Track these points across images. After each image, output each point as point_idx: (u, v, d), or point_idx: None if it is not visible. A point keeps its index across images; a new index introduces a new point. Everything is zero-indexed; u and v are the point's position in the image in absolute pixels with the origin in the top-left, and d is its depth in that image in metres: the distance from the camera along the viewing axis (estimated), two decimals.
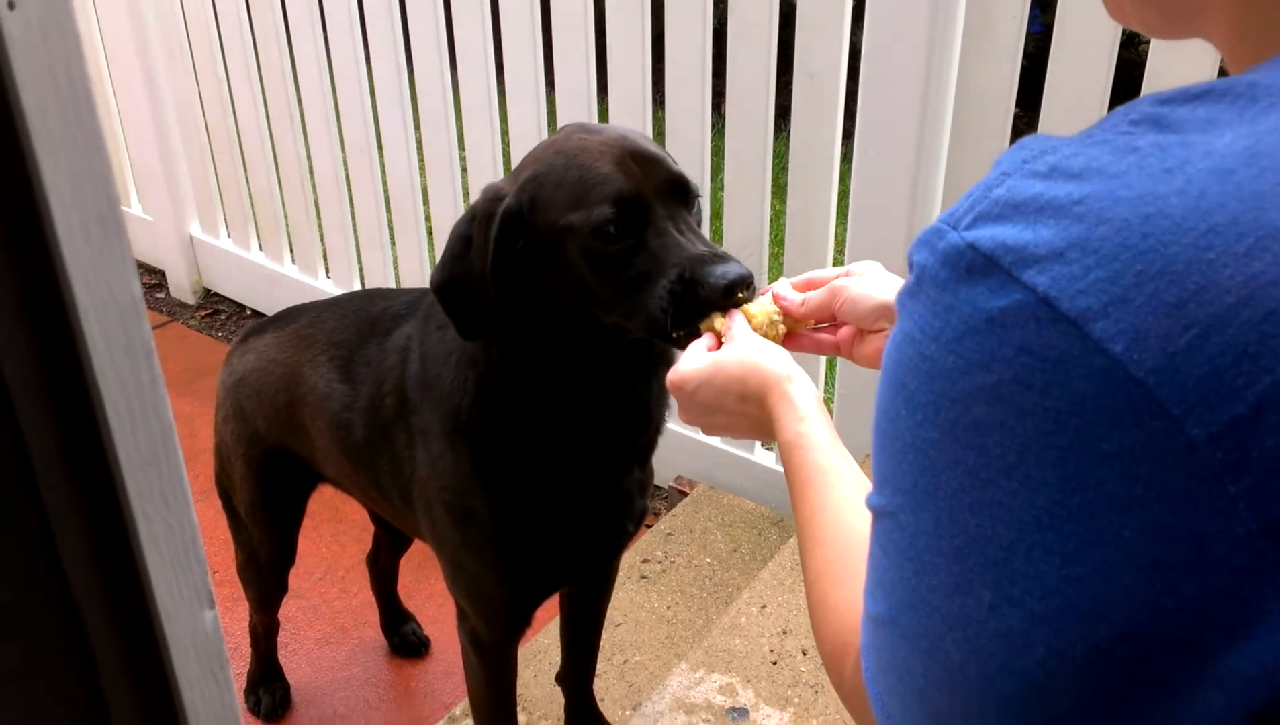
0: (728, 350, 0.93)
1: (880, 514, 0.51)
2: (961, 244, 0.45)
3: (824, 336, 1.01)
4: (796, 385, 0.86)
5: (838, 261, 2.14)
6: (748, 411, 0.89)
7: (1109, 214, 0.42)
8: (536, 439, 1.24)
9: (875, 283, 0.95)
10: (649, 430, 1.30)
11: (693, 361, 0.93)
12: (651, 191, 1.08)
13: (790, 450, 0.82)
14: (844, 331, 0.99)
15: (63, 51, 0.32)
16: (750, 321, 0.98)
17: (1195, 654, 0.42)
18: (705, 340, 0.98)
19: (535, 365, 1.19)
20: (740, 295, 1.00)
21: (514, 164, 2.38)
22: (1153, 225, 0.41)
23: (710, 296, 1.00)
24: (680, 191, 1.10)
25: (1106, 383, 0.41)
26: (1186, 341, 0.40)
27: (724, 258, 1.03)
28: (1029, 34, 1.75)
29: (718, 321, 1.00)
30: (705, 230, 2.17)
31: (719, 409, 0.91)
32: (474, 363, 1.24)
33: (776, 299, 0.99)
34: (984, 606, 0.45)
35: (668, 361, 1.29)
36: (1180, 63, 1.57)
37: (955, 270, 0.45)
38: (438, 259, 1.19)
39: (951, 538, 0.46)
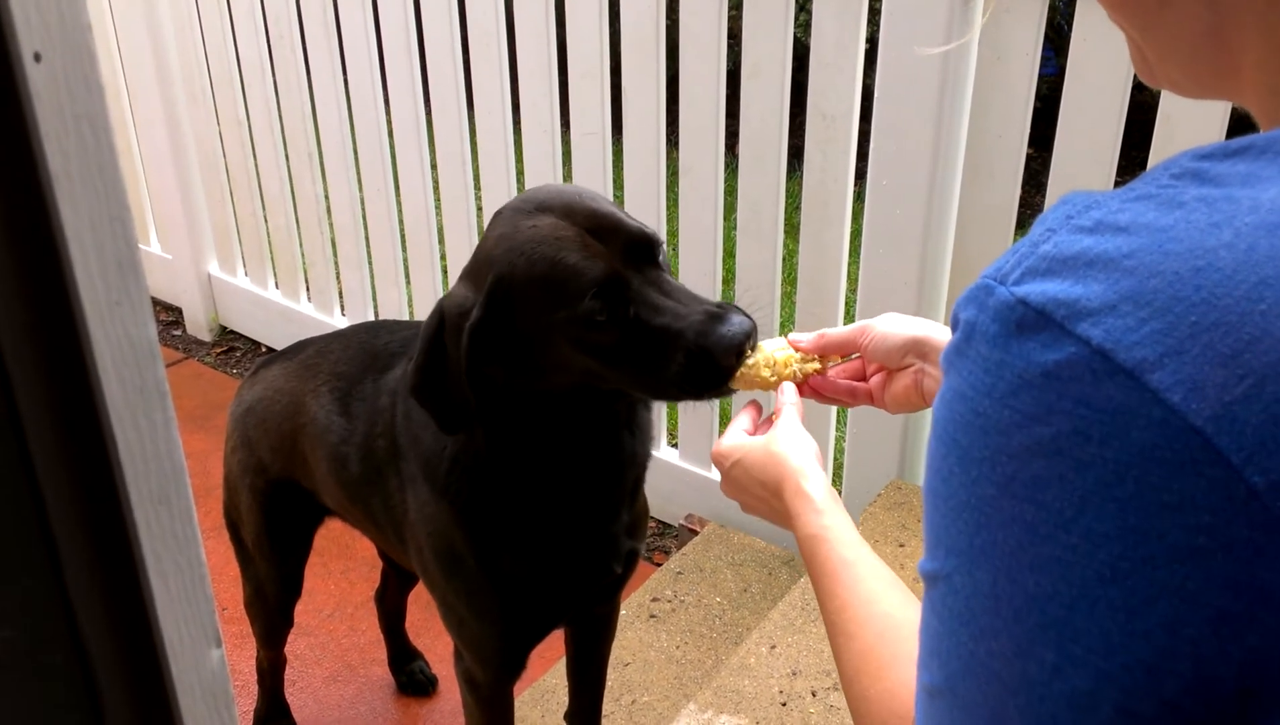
0: (761, 435, 0.95)
1: (933, 579, 0.51)
2: (1011, 299, 0.45)
3: (856, 384, 1.02)
4: (811, 480, 0.87)
5: (849, 301, 2.15)
6: (768, 499, 0.91)
7: (1160, 267, 0.42)
8: (520, 499, 1.24)
9: (900, 321, 0.97)
10: (634, 470, 1.29)
11: (732, 438, 0.96)
12: (622, 263, 1.06)
13: (814, 544, 0.83)
14: (874, 379, 1.00)
15: (87, 103, 0.33)
16: (775, 364, 1.00)
17: (1262, 703, 0.41)
18: (745, 417, 1.00)
19: (518, 436, 1.20)
20: (749, 351, 1.01)
21: None
22: (1204, 278, 0.41)
23: (724, 363, 1.01)
24: (645, 250, 1.08)
25: (1166, 432, 0.41)
26: (1243, 391, 0.40)
27: (721, 316, 1.03)
28: (1042, 76, 1.77)
29: (761, 366, 1.00)
30: (716, 275, 2.18)
31: (746, 490, 0.94)
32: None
33: (792, 344, 1.01)
34: (1046, 668, 0.44)
35: (648, 403, 1.29)
36: (1191, 107, 1.58)
37: (1006, 325, 0.45)
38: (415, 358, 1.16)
39: (1010, 598, 0.45)
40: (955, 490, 0.48)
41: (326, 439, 1.46)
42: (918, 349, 0.94)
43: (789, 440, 0.92)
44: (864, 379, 1.02)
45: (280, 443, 1.57)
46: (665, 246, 1.13)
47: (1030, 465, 0.44)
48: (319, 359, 1.54)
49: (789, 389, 0.99)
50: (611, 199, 2.30)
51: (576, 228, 1.07)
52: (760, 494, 0.92)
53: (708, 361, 1.01)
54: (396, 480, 1.35)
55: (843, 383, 1.02)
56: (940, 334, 0.94)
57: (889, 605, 0.74)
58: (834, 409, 2.17)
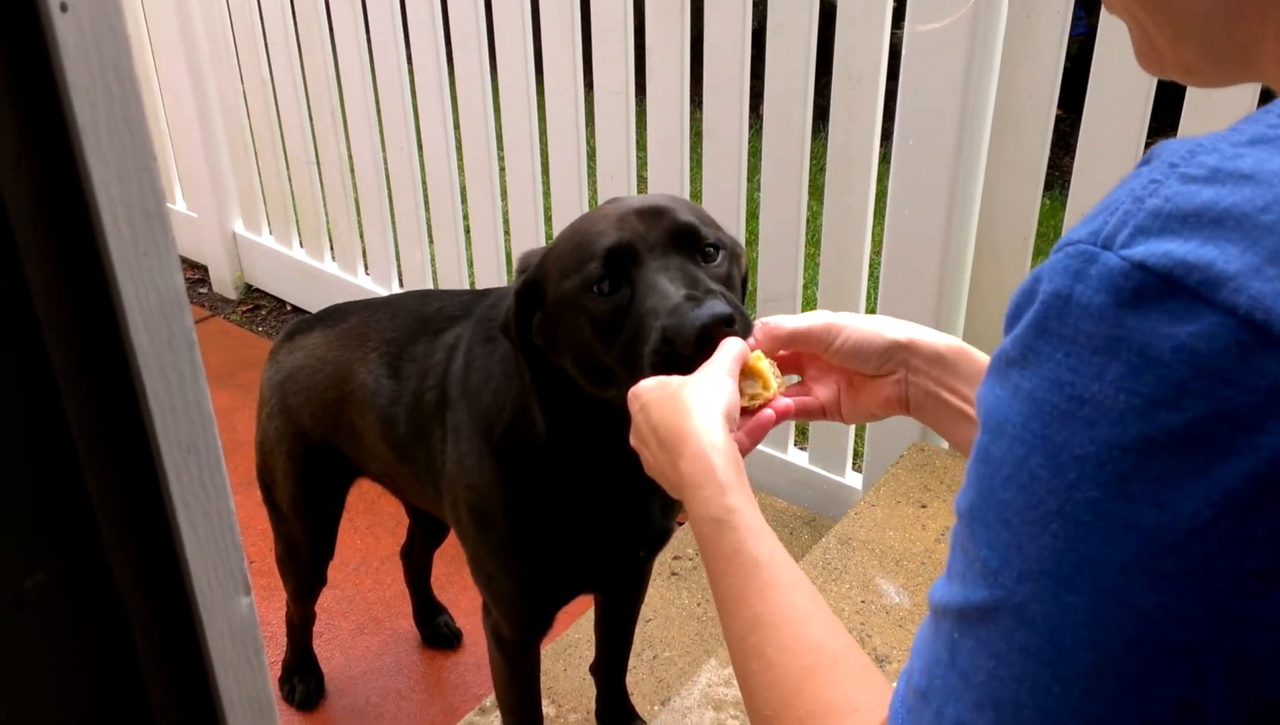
0: (681, 378, 0.81)
1: (988, 612, 0.42)
2: (1125, 265, 0.39)
3: (805, 399, 0.87)
4: (714, 443, 0.72)
5: (874, 262, 2.13)
6: (662, 459, 0.77)
7: None
8: (562, 471, 1.25)
9: (875, 321, 0.84)
10: None
11: (654, 378, 0.84)
12: (648, 242, 0.99)
13: (717, 530, 0.68)
14: (825, 392, 0.87)
15: (113, 53, 0.34)
16: (747, 364, 0.85)
17: None
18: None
19: (566, 414, 1.19)
20: (721, 332, 0.88)
21: (551, 165, 2.41)
22: None
23: (683, 351, 0.88)
24: (685, 238, 0.99)
25: None
26: None
27: (696, 300, 0.91)
28: (1073, 36, 1.73)
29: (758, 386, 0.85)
30: (739, 236, 2.17)
31: (645, 442, 0.80)
32: (512, 396, 1.25)
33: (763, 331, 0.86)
34: (1173, 706, 0.37)
35: None
36: None
37: (1119, 295, 0.38)
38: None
39: (1119, 625, 0.38)
40: (1040, 497, 0.40)
41: (376, 403, 1.48)
42: (902, 355, 0.81)
43: (702, 386, 0.77)
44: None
45: (323, 411, 1.58)
46: (727, 248, 1.03)
47: (1153, 460, 0.37)
48: (365, 328, 1.55)
49: (731, 343, 0.84)
50: (634, 160, 2.28)
51: (629, 210, 1.03)
52: (655, 451, 0.78)
53: (673, 348, 0.91)
54: (440, 431, 1.37)
55: (787, 406, 0.86)
56: (931, 338, 0.82)
57: (817, 630, 0.61)
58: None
